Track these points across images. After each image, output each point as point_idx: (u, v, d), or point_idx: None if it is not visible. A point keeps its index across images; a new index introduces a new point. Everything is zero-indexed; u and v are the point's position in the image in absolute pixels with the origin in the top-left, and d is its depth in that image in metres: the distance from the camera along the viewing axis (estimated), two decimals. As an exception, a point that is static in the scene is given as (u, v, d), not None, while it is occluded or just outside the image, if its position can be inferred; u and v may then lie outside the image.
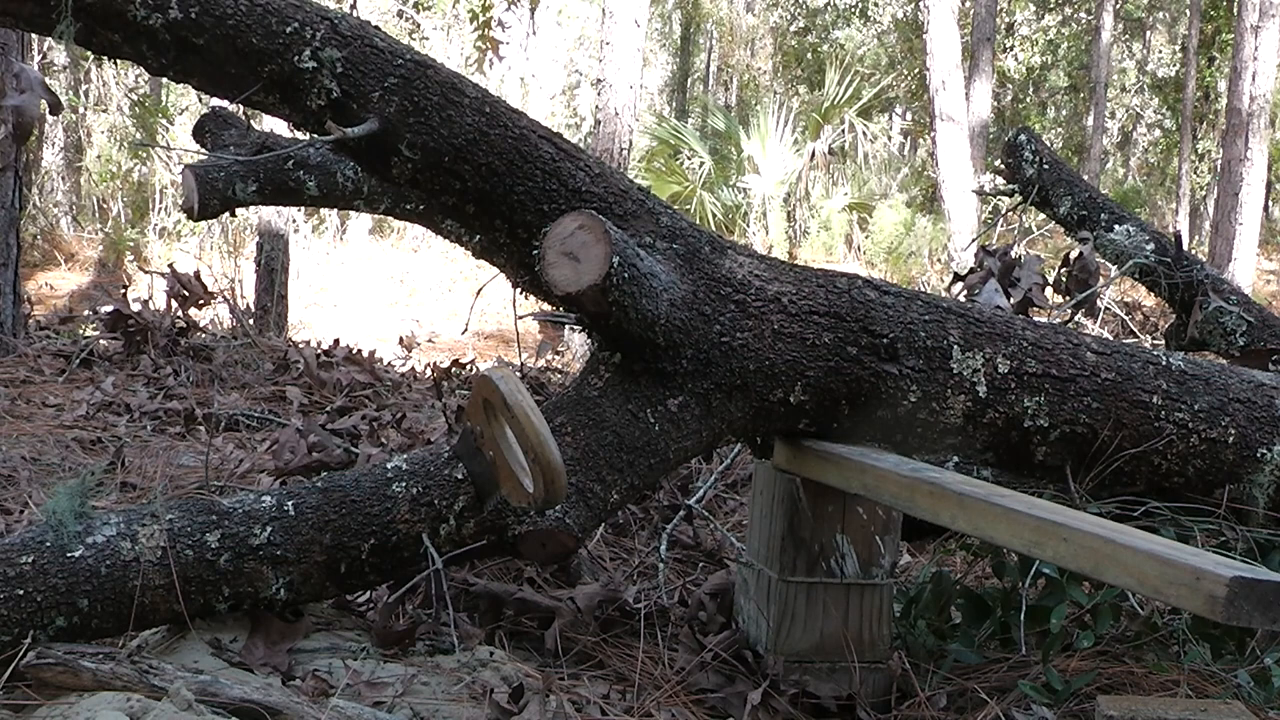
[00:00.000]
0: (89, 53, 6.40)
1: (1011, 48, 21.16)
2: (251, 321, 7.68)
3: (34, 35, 6.73)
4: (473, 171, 2.05)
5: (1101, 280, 3.60)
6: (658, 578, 2.50)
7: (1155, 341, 5.44)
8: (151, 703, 1.66)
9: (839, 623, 2.18)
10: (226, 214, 3.66)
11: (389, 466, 2.00)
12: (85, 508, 1.87)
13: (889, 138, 19.81)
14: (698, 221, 2.62)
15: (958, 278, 3.69)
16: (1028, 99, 22.07)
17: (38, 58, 12.44)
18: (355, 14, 2.35)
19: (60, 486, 1.90)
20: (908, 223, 15.31)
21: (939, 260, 14.37)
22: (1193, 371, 2.32)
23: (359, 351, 5.39)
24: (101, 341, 5.17)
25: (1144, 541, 1.59)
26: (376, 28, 2.08)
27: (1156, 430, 2.25)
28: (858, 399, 2.16)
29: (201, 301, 5.46)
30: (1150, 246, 3.59)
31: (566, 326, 6.92)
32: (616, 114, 9.96)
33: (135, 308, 5.27)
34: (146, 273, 8.51)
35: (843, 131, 16.58)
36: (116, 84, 13.96)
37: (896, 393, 2.16)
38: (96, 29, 1.94)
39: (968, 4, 16.14)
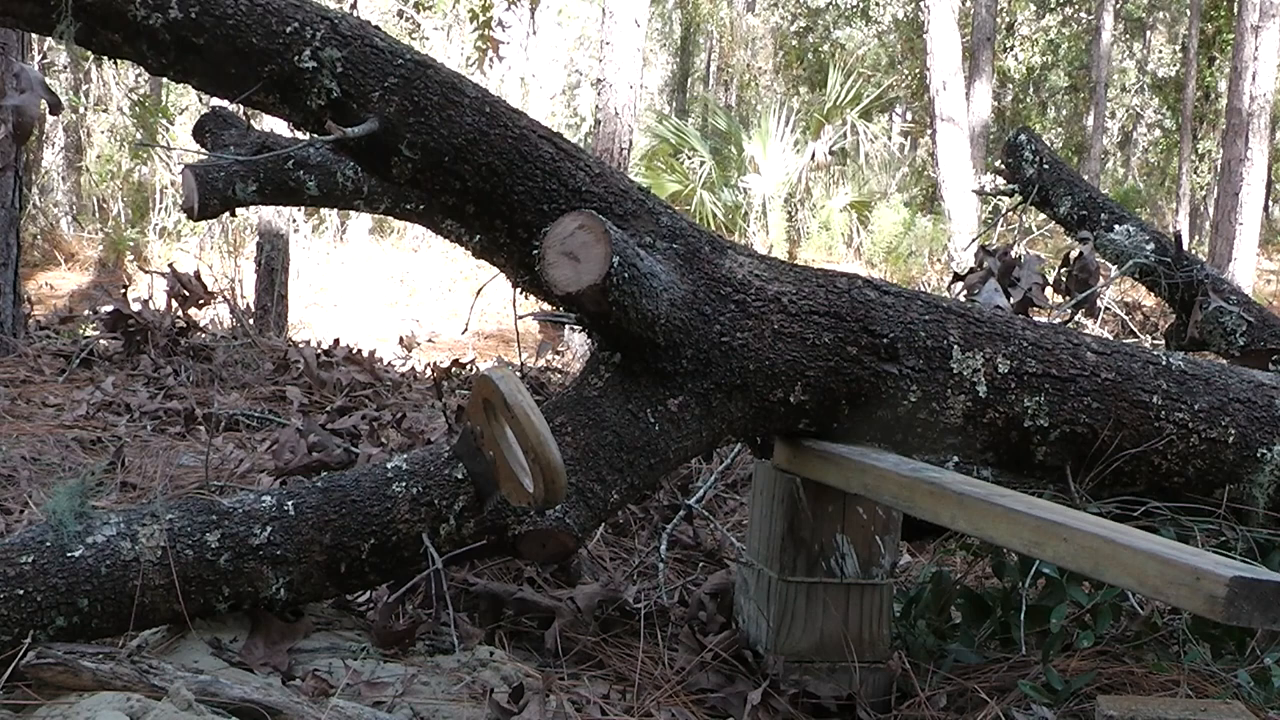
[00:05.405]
0: (89, 53, 6.40)
1: (1011, 48, 21.16)
2: (251, 321, 7.68)
3: (34, 35, 6.73)
4: (473, 171, 2.05)
5: (1101, 280, 3.60)
6: (658, 578, 2.50)
7: (1155, 341, 5.43)
8: (151, 703, 1.66)
9: (839, 623, 2.18)
10: (226, 214, 3.66)
11: (389, 466, 2.00)
12: (85, 508, 1.87)
13: (889, 138, 19.80)
14: (698, 221, 2.61)
15: (958, 278, 3.69)
16: (1028, 99, 22.07)
17: (38, 58, 12.43)
18: (355, 14, 2.35)
19: (60, 486, 1.90)
20: (908, 223, 15.31)
21: (939, 260, 14.37)
22: (1193, 371, 2.32)
23: (359, 351, 5.38)
24: (101, 341, 5.16)
25: (1144, 541, 1.59)
26: (376, 28, 2.08)
27: (1156, 430, 2.25)
28: (858, 399, 2.16)
29: (201, 301, 5.45)
30: (1150, 246, 3.59)
31: (566, 326, 6.92)
32: (616, 114, 9.95)
33: (135, 308, 5.27)
34: (146, 273, 8.51)
35: (845, 132, 16.58)
36: (116, 84, 13.95)
37: (896, 393, 2.16)
38: (96, 29, 1.94)
39: (968, 4, 16.14)
